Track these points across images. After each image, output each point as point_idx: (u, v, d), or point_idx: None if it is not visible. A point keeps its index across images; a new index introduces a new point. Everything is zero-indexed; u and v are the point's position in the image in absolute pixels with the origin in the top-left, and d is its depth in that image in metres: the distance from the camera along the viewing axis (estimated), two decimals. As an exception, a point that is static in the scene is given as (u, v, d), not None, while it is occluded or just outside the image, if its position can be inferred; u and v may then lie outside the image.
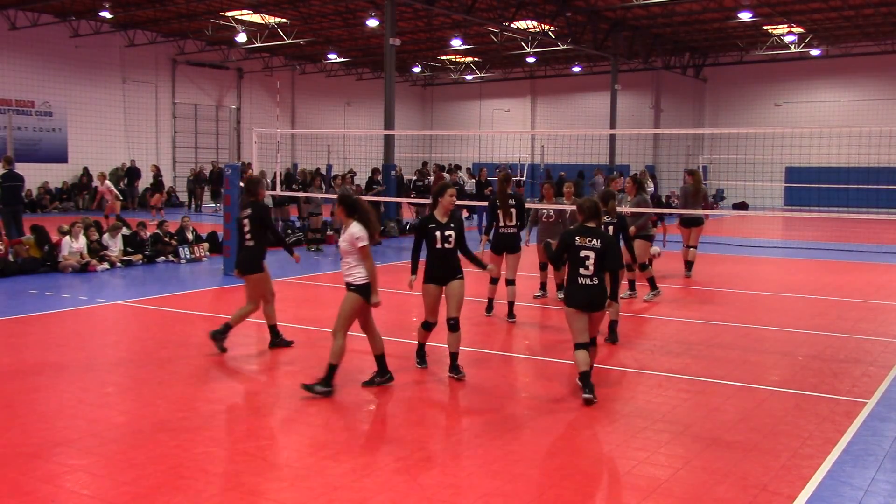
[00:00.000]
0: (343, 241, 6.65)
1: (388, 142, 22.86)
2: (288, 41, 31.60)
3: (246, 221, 8.10)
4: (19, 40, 28.04)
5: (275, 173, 16.98)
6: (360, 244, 6.51)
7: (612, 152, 33.37)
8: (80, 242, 14.01)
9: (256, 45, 32.35)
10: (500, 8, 26.75)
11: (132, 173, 29.46)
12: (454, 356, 7.22)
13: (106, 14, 26.90)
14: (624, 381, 7.48)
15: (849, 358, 8.30)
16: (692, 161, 35.74)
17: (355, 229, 6.57)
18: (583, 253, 6.57)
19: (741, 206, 33.35)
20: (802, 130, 32.87)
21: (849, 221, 26.52)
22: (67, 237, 13.93)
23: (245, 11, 28.50)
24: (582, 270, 6.57)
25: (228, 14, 28.75)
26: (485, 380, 7.35)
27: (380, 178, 20.94)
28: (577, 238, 6.65)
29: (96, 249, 14.20)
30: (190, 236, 15.82)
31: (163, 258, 15.11)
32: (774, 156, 28.80)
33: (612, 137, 33.61)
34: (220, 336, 8.04)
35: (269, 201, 18.96)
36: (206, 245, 15.92)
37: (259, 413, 6.26)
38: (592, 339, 6.76)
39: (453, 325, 7.13)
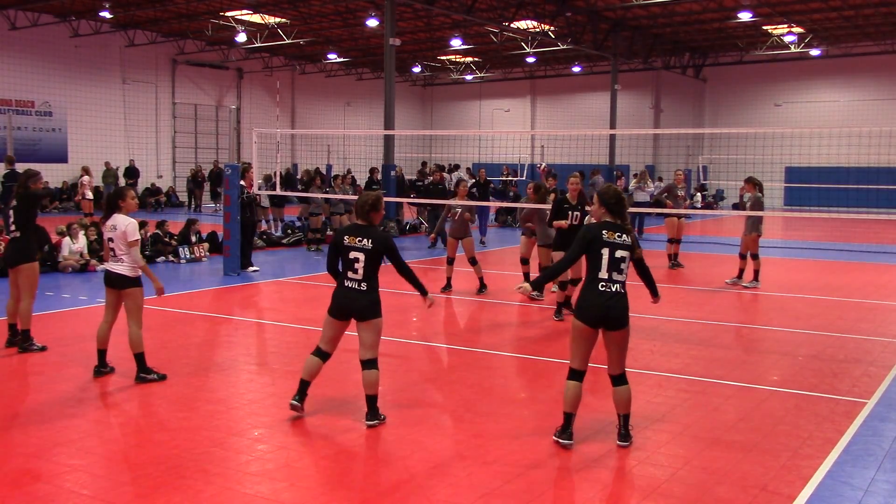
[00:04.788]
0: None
1: (388, 142, 22.86)
2: (288, 41, 31.60)
3: (11, 213, 8.01)
4: (19, 40, 28.04)
5: (274, 173, 16.97)
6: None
7: (612, 152, 33.37)
8: (81, 242, 14.02)
9: (256, 45, 32.36)
10: (500, 8, 26.75)
11: (131, 173, 29.46)
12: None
13: (106, 14, 26.91)
14: (624, 381, 7.48)
15: (849, 358, 8.29)
16: (692, 161, 35.74)
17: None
18: (352, 255, 5.77)
19: (740, 206, 33.28)
20: (802, 130, 32.86)
21: (849, 221, 26.52)
22: (67, 238, 13.94)
23: (245, 11, 28.51)
24: (350, 274, 5.78)
25: (228, 14, 28.76)
26: (483, 379, 7.35)
27: (378, 177, 20.93)
28: (345, 238, 5.82)
29: (96, 249, 14.19)
30: (194, 238, 15.83)
31: (163, 258, 15.11)
32: (774, 156, 28.80)
33: (612, 137, 33.61)
34: (28, 345, 7.92)
35: (266, 201, 19.01)
36: (206, 245, 15.92)
37: (259, 413, 6.25)
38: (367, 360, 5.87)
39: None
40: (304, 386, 6.01)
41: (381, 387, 6.96)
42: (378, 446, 5.58)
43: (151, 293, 7.31)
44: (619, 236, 5.40)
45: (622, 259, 5.38)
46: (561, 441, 5.51)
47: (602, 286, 5.36)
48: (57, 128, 29.58)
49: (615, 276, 5.37)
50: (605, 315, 5.35)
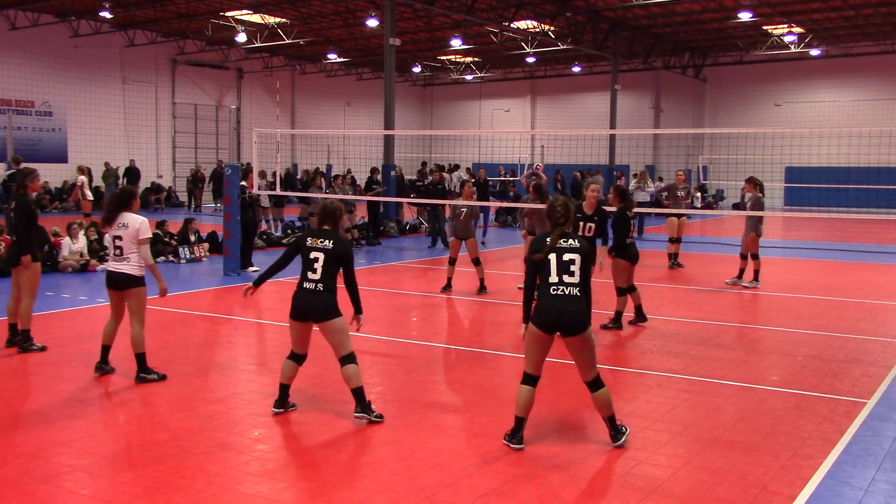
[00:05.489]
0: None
1: (388, 142, 22.86)
2: (288, 41, 31.61)
3: (12, 214, 8.05)
4: (19, 40, 28.05)
5: (274, 173, 16.97)
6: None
7: (612, 152, 33.36)
8: (81, 243, 14.03)
9: (256, 45, 32.36)
10: (500, 8, 26.75)
11: (132, 174, 29.43)
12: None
13: (106, 14, 26.92)
14: (624, 381, 7.48)
15: (849, 358, 8.29)
16: (692, 161, 35.73)
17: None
18: (312, 255, 5.98)
19: (741, 206, 33.30)
20: (802, 130, 32.84)
21: (849, 221, 26.52)
22: (67, 237, 13.94)
23: (245, 11, 28.51)
24: (309, 275, 5.96)
25: (228, 14, 28.76)
26: (483, 379, 7.36)
27: (379, 177, 20.93)
28: (308, 239, 6.07)
29: (96, 249, 14.20)
30: (193, 238, 15.83)
31: (163, 258, 15.11)
32: (774, 156, 28.77)
33: (612, 137, 33.60)
34: (28, 345, 7.95)
35: (266, 201, 19.01)
36: (206, 245, 15.92)
37: (259, 413, 6.26)
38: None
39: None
40: (283, 390, 6.18)
41: (380, 387, 6.98)
42: (378, 446, 5.58)
43: (154, 293, 7.32)
44: (564, 240, 5.50)
45: (571, 262, 5.44)
46: (511, 445, 5.52)
47: (553, 290, 5.41)
48: (57, 128, 29.58)
49: (566, 279, 5.41)
50: (558, 320, 5.34)
